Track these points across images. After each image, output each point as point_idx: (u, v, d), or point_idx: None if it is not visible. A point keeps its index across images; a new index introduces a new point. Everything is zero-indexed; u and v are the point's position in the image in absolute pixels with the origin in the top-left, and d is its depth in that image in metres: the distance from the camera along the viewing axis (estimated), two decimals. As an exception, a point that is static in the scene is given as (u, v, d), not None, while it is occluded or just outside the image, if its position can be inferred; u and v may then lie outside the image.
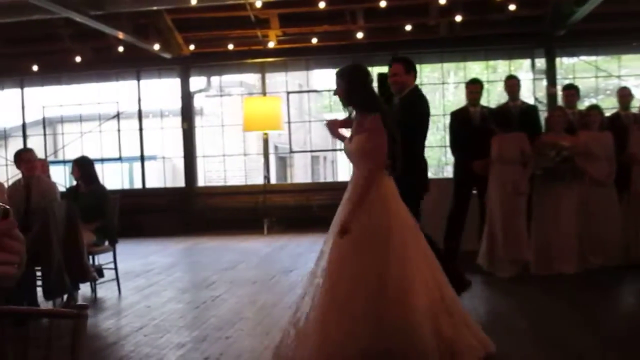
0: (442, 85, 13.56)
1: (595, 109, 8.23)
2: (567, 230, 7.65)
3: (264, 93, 13.79)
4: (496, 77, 13.75)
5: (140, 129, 13.84)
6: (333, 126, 4.87)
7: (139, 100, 13.86)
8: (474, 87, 8.38)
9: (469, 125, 8.12)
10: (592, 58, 13.12)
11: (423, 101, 6.00)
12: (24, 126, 14.38)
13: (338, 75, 4.53)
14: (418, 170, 5.78)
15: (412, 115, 5.72)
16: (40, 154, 9.76)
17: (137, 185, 16.24)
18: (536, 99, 10.86)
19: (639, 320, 6.03)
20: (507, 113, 8.10)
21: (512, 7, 11.13)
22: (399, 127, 4.55)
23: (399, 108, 5.70)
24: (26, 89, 14.36)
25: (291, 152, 15.39)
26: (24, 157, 7.18)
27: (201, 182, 14.70)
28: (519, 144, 7.67)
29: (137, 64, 13.28)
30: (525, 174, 7.65)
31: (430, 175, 12.15)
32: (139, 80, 13.84)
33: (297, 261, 9.13)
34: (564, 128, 7.86)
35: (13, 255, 1.19)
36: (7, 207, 1.20)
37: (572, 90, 8.66)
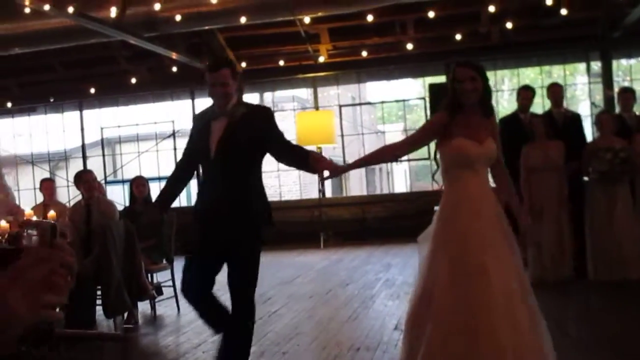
0: (497, 93, 13.42)
1: (604, 113, 8.08)
2: (627, 234, 7.47)
3: (316, 107, 13.85)
4: (550, 81, 13.53)
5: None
6: None
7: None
8: (526, 93, 8.30)
9: (520, 132, 8.02)
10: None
11: None
12: (83, 147, 14.74)
13: (478, 69, 4.26)
14: None
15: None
16: (99, 175, 9.99)
17: (184, 202, 16.46)
18: (593, 103, 10.66)
19: None
20: (549, 120, 8.00)
21: (563, 11, 10.95)
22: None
23: None
24: (85, 111, 14.73)
25: (345, 164, 15.36)
26: (83, 178, 7.34)
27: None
28: (558, 151, 7.60)
29: (191, 83, 13.48)
30: (564, 183, 7.58)
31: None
32: (193, 99, 14.05)
33: (354, 274, 9.12)
34: (615, 131, 7.69)
35: (60, 296, 1.17)
36: (54, 222, 1.20)
37: (628, 93, 8.48)
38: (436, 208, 4.31)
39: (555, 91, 8.40)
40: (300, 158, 4.42)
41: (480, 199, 4.07)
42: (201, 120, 4.55)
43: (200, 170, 4.82)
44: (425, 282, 4.04)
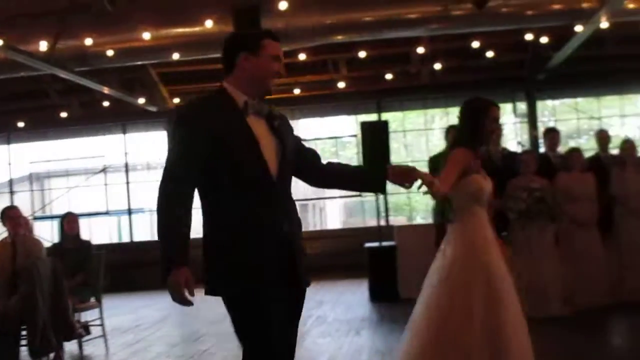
0: (427, 131, 13.71)
1: (576, 150, 8.34)
2: (549, 272, 7.68)
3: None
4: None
5: (127, 183, 13.88)
6: None
7: (126, 153, 13.93)
8: (455, 132, 8.50)
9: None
10: (573, 100, 13.31)
11: None
12: (10, 182, 14.39)
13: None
14: None
15: None
16: (27, 210, 9.77)
17: (126, 239, 16.20)
18: (519, 142, 11.02)
19: (625, 355, 6.03)
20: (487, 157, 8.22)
21: (490, 53, 11.35)
22: None
23: None
24: (13, 145, 14.40)
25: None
26: (9, 215, 7.17)
27: (192, 234, 14.61)
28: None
29: (123, 118, 13.37)
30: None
31: (421, 221, 12.18)
32: (125, 134, 13.92)
33: (286, 311, 9.10)
34: (534, 170, 7.92)
35: None
36: None
37: (553, 133, 8.77)
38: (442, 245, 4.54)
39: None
40: (351, 172, 3.51)
41: (491, 233, 4.44)
42: (223, 115, 3.08)
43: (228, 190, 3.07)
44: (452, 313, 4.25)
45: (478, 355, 4.15)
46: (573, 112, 13.31)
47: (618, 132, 12.34)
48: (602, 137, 8.78)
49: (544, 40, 10.75)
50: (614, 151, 8.65)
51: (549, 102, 13.39)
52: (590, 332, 6.97)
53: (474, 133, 4.41)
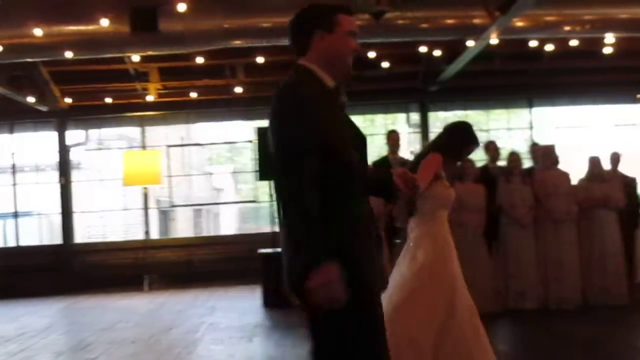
0: (323, 139, 13.85)
1: (469, 161, 8.61)
2: (483, 271, 7.95)
3: (143, 147, 13.61)
4: (374, 130, 14.14)
5: (14, 185, 13.34)
6: None
7: (13, 154, 13.40)
8: (393, 135, 8.69)
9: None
10: (463, 112, 13.75)
11: None
12: None
13: None
14: None
15: None
16: None
17: (11, 243, 15.56)
18: (412, 152, 11.28)
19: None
20: (386, 166, 8.40)
21: (385, 64, 11.60)
22: None
23: None
24: None
25: (172, 206, 15.20)
26: None
27: (80, 238, 14.22)
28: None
29: (10, 117, 12.84)
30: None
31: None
32: (12, 134, 13.38)
33: (178, 318, 8.97)
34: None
35: None
36: None
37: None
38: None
39: (394, 138, 8.79)
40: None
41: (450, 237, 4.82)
42: (330, 102, 2.82)
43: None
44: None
45: (431, 356, 4.42)
46: (464, 124, 13.75)
47: (505, 144, 12.83)
48: (491, 148, 9.11)
49: (437, 53, 11.09)
50: (501, 163, 8.98)
51: (441, 114, 13.79)
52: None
53: (456, 150, 4.80)
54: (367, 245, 2.67)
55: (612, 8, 9.16)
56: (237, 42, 9.38)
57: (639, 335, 6.96)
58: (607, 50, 11.14)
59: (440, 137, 5.11)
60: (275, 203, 2.74)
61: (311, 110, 2.60)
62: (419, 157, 4.98)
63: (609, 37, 10.28)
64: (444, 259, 4.67)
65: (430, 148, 4.99)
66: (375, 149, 11.66)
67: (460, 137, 4.88)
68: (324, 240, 2.44)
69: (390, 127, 11.48)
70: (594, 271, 8.45)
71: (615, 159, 9.04)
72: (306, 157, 2.52)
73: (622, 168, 9.10)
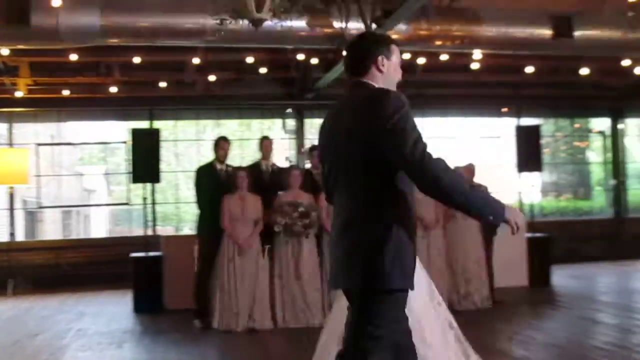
0: (198, 142, 13.74)
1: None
2: (311, 284, 8.06)
3: (11, 144, 13.05)
4: (250, 135, 14.18)
5: None
6: None
7: None
8: (224, 144, 8.62)
9: (217, 181, 8.35)
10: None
11: None
12: None
13: None
14: None
15: None
16: None
17: None
18: (287, 158, 11.40)
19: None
20: (257, 172, 8.45)
21: (263, 69, 11.68)
22: None
23: None
24: None
25: (40, 207, 14.66)
26: None
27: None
28: (255, 204, 8.04)
29: None
30: (255, 232, 8.05)
31: (189, 231, 12.10)
32: None
33: (44, 324, 8.67)
34: (300, 186, 8.29)
35: None
36: None
37: (316, 151, 9.16)
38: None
39: (267, 144, 8.82)
40: None
41: None
42: None
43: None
44: None
45: None
46: (339, 131, 14.01)
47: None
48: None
49: (314, 61, 11.27)
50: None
51: (317, 121, 13.97)
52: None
53: None
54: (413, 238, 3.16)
55: (480, 26, 9.61)
56: (114, 41, 9.17)
57: (499, 337, 7.32)
58: (475, 66, 11.69)
59: None
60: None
61: (407, 111, 3.18)
62: None
63: (477, 53, 10.79)
64: None
65: None
66: (251, 153, 11.74)
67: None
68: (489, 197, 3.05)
69: (267, 132, 11.56)
70: (458, 277, 8.83)
71: (470, 170, 9.44)
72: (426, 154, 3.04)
73: (478, 179, 9.52)
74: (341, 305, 4.12)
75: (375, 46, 3.32)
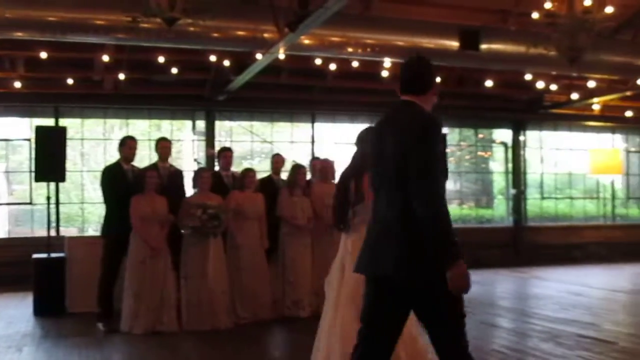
0: (105, 141, 13.45)
1: (251, 171, 8.80)
2: (217, 286, 8.02)
3: None
4: (160, 135, 13.97)
5: None
6: None
7: None
8: (132, 143, 8.50)
9: (124, 181, 8.21)
10: (249, 123, 14.02)
11: None
12: None
13: None
14: None
15: None
16: None
17: None
18: (195, 159, 11.29)
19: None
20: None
21: (174, 70, 11.56)
22: None
23: None
24: None
25: None
26: None
27: None
28: (163, 205, 7.97)
29: None
30: (164, 233, 7.98)
31: (93, 232, 11.81)
32: None
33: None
34: (209, 188, 8.26)
35: None
36: None
37: (228, 152, 9.17)
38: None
39: (164, 146, 8.73)
40: None
41: None
42: None
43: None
44: None
45: None
46: (248, 134, 14.00)
47: (288, 156, 13.24)
48: (277, 160, 9.43)
49: (226, 63, 11.23)
50: (284, 174, 9.29)
51: (227, 123, 13.93)
52: (252, 344, 7.39)
53: None
54: None
55: (391, 35, 9.82)
56: (19, 34, 8.89)
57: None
58: (385, 74, 11.91)
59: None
60: None
61: (437, 137, 3.59)
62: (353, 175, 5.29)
63: (387, 62, 11.01)
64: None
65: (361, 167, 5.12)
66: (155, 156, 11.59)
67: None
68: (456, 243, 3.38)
69: (177, 134, 11.44)
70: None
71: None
72: (436, 183, 3.44)
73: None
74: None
75: (433, 74, 3.82)
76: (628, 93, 13.37)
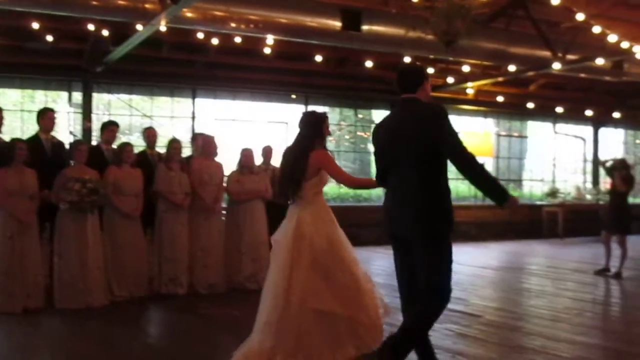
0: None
1: (128, 145, 8.61)
2: (93, 263, 7.84)
3: None
4: (33, 107, 13.41)
5: None
6: None
7: None
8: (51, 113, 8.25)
9: None
10: (128, 96, 13.68)
11: None
12: None
13: None
14: None
15: None
16: None
17: None
18: (71, 132, 10.92)
19: (157, 342, 6.45)
20: (37, 146, 8.04)
21: (49, 37, 11.10)
22: None
23: None
24: None
25: None
26: None
27: None
28: (33, 178, 7.65)
29: None
30: (34, 207, 7.67)
31: None
32: None
33: None
34: (86, 161, 8.02)
35: None
36: None
37: (114, 126, 8.94)
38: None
39: (50, 117, 8.31)
40: None
41: None
42: None
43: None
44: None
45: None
46: (127, 108, 13.66)
47: (168, 132, 13.04)
48: (150, 134, 9.25)
49: (105, 33, 10.87)
50: (161, 149, 9.14)
51: (105, 96, 13.54)
52: (128, 322, 7.28)
53: (322, 137, 5.56)
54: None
55: (275, 12, 9.82)
56: None
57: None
58: (267, 51, 11.91)
59: (309, 131, 5.57)
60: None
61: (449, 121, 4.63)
62: (297, 159, 5.53)
63: (270, 39, 10.99)
64: (334, 222, 5.62)
65: (309, 147, 5.51)
66: (33, 126, 11.15)
67: (313, 126, 5.58)
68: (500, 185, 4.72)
69: (51, 105, 11.02)
70: (244, 257, 8.99)
71: (268, 152, 9.71)
72: (467, 150, 4.54)
73: (274, 162, 9.82)
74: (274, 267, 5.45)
75: (424, 72, 4.89)
76: (500, 79, 13.97)
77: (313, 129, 5.55)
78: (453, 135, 4.52)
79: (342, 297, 5.29)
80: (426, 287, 4.57)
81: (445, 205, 4.64)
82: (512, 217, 16.39)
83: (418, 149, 4.56)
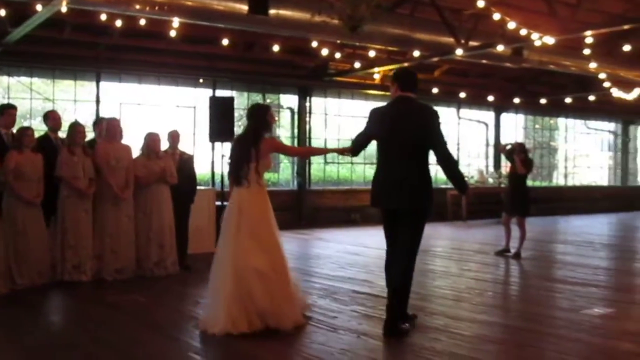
0: None
1: (28, 129, 8.34)
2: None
3: None
4: None
5: None
6: None
7: None
8: None
9: None
10: (29, 79, 13.25)
11: None
12: None
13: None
14: None
15: None
16: None
17: None
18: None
19: (61, 331, 6.33)
20: None
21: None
22: None
23: None
24: None
25: None
26: None
27: None
28: None
29: None
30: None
31: None
32: None
33: None
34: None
35: None
36: None
37: (13, 110, 8.67)
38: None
39: None
40: None
41: None
42: None
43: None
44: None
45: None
46: (27, 91, 13.23)
47: (71, 116, 12.71)
48: (54, 117, 9.01)
49: (2, 13, 10.46)
50: (63, 134, 8.90)
51: (4, 79, 13.07)
52: (29, 310, 7.09)
53: (268, 126, 6.35)
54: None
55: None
56: None
57: (184, 300, 7.57)
58: (173, 34, 11.72)
59: (255, 122, 6.30)
60: None
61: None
62: (249, 147, 6.21)
63: (175, 21, 10.81)
64: (271, 213, 6.40)
65: (259, 136, 6.24)
66: None
67: (259, 117, 6.31)
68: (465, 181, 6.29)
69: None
70: (151, 243, 8.89)
71: (175, 136, 9.60)
72: (447, 148, 5.92)
73: (182, 146, 9.73)
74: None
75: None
76: (406, 64, 14.21)
77: (259, 120, 6.27)
78: (442, 135, 5.82)
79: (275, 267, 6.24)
80: (410, 246, 5.87)
81: (431, 187, 5.91)
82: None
83: (415, 140, 5.75)
